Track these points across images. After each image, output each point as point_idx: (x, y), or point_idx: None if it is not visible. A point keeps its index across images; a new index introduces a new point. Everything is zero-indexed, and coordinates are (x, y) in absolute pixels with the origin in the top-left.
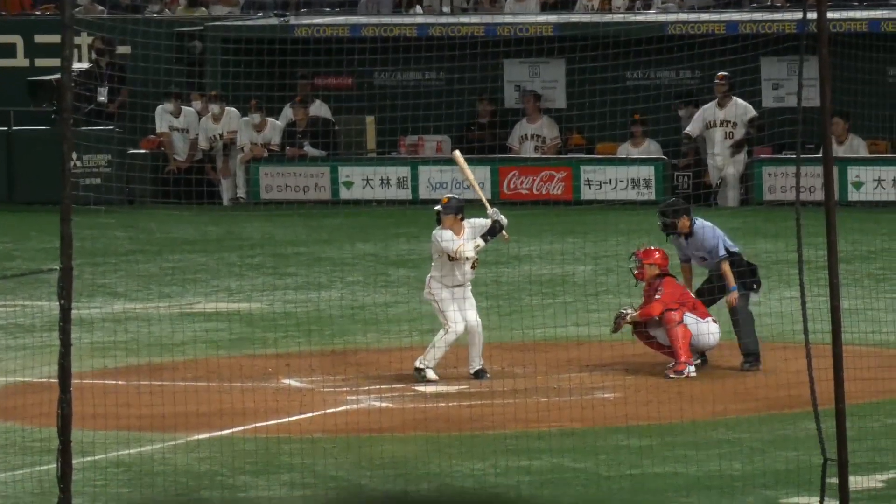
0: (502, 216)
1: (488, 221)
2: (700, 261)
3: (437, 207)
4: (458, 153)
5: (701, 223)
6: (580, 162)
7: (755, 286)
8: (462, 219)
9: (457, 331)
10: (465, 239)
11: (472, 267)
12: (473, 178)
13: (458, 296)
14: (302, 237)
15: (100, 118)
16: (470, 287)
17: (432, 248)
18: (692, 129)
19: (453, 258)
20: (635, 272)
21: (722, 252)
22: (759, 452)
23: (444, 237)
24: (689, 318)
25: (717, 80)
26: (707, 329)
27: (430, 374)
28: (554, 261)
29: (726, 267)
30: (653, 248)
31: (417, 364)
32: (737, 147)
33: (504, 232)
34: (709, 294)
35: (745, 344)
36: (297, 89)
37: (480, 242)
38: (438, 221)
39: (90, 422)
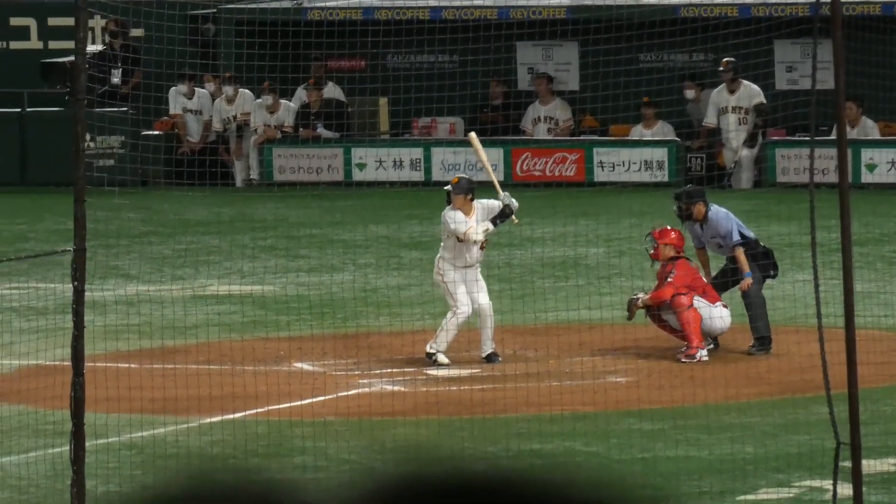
0: (514, 200)
1: (499, 203)
2: (716, 247)
3: (448, 187)
4: (473, 135)
5: (715, 209)
6: (593, 144)
7: (773, 272)
8: (472, 199)
9: (465, 312)
10: (475, 220)
11: (481, 248)
12: (488, 161)
13: (469, 278)
14: (315, 219)
15: (113, 100)
16: (479, 268)
17: (442, 229)
18: (710, 118)
19: (461, 240)
20: (651, 252)
21: (736, 237)
22: (772, 436)
23: (456, 219)
24: (700, 302)
25: (721, 68)
26: (718, 313)
27: (442, 358)
28: (566, 243)
29: (740, 253)
30: (669, 227)
31: (428, 349)
32: (750, 140)
33: (514, 216)
34: (721, 278)
35: (757, 328)
36: (310, 71)
37: (490, 226)
38: (449, 202)
39: (103, 404)
